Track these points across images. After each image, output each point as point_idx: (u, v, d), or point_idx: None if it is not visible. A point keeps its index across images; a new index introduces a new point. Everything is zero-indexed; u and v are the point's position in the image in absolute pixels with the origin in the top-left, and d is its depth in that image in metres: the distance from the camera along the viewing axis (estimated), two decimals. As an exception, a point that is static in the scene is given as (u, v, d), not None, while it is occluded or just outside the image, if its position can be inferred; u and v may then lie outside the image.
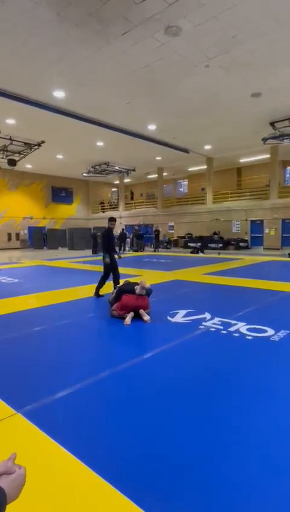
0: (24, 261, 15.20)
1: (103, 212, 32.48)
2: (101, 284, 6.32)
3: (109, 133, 16.54)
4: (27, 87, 11.84)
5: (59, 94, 12.43)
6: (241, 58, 9.94)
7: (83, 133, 16.86)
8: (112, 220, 6.55)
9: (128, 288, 4.91)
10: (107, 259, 6.35)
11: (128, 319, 4.54)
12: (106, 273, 6.40)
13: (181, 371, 3.04)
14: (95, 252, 19.80)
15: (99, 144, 19.04)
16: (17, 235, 27.79)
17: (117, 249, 15.60)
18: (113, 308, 4.85)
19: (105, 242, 6.53)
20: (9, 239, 27.32)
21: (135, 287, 4.85)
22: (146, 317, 4.61)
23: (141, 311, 4.70)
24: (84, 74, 10.85)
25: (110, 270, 6.45)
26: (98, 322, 4.73)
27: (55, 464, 1.89)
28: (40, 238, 26.63)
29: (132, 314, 4.63)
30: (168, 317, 4.80)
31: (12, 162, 19.28)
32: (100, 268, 11.63)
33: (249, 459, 1.91)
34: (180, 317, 4.83)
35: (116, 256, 6.64)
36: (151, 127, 16.36)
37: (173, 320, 4.69)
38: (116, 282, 6.39)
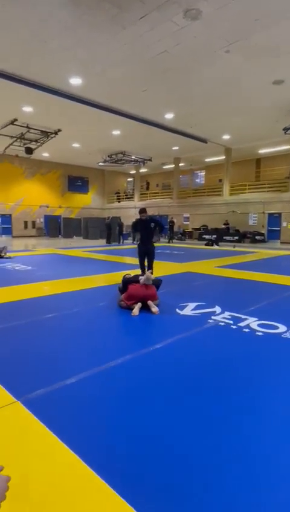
0: (38, 249, 15.35)
1: (119, 202, 32.42)
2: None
3: (125, 121, 16.33)
4: (43, 74, 11.75)
5: (75, 81, 12.29)
6: (264, 43, 9.53)
7: (99, 122, 16.72)
8: (142, 211, 6.84)
9: (133, 279, 4.85)
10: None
11: (136, 310, 4.48)
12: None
13: (185, 367, 2.96)
14: (109, 242, 19.80)
15: (116, 132, 18.87)
16: (33, 223, 28.10)
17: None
18: (121, 299, 4.80)
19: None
20: (26, 227, 27.66)
21: (140, 277, 4.78)
22: (154, 309, 4.54)
23: (149, 302, 4.63)
24: (99, 61, 10.67)
25: (140, 256, 6.96)
26: (104, 312, 4.69)
27: (49, 456, 1.86)
28: (56, 227, 26.86)
29: (139, 305, 4.57)
30: (177, 310, 4.72)
31: (29, 150, 19.39)
32: (114, 258, 11.94)
33: (254, 463, 1.82)
34: (189, 310, 4.74)
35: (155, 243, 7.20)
36: (169, 116, 16.06)
37: (182, 313, 4.61)
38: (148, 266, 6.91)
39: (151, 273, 4.87)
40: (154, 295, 4.72)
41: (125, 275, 5.34)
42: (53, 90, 12.95)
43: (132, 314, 4.45)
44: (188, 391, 2.52)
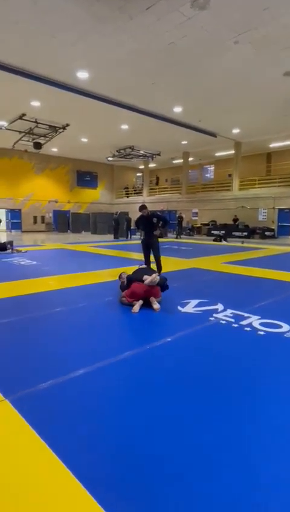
0: (46, 244, 15.43)
1: (127, 197, 32.34)
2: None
3: (133, 115, 16.22)
4: (50, 68, 11.69)
5: (82, 75, 12.20)
6: (274, 34, 9.26)
7: (107, 116, 16.64)
8: (142, 208, 6.96)
9: (137, 277, 4.78)
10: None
11: (136, 307, 4.42)
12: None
13: (183, 366, 2.88)
14: (116, 237, 19.77)
15: (124, 127, 18.76)
16: (42, 218, 28.28)
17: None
18: (123, 295, 4.74)
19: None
20: (35, 222, 27.85)
21: (144, 277, 4.70)
22: (156, 306, 4.47)
23: (152, 298, 4.56)
24: (106, 53, 10.53)
25: (143, 250, 7.10)
26: (107, 308, 4.65)
27: (31, 458, 1.80)
28: (65, 222, 26.96)
29: (140, 302, 4.51)
30: (179, 307, 4.64)
31: (38, 145, 19.43)
32: (121, 253, 11.90)
33: (254, 468, 1.73)
34: (191, 307, 4.65)
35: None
36: (177, 109, 15.87)
37: (183, 310, 4.53)
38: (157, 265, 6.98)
39: (159, 275, 4.82)
40: (156, 293, 4.65)
41: (121, 273, 5.29)
42: (60, 84, 12.90)
43: (132, 310, 4.39)
44: (185, 392, 2.44)
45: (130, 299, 4.61)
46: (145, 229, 7.01)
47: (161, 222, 6.98)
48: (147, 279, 4.64)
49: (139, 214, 6.98)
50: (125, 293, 4.73)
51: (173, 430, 2.01)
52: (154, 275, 4.67)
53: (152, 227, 6.89)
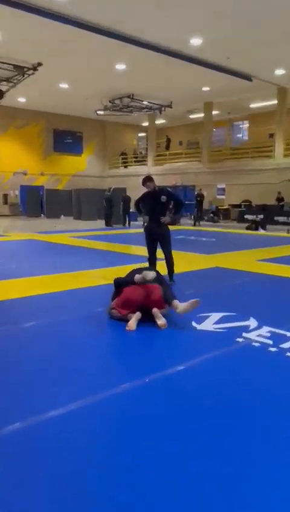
0: (11, 234, 15.53)
1: (125, 167, 32.34)
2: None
3: (133, 51, 16.22)
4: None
5: (61, -7, 12.19)
6: None
7: (96, 52, 16.68)
8: (146, 180, 6.82)
9: (128, 279, 4.81)
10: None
11: (132, 322, 4.41)
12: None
13: (194, 409, 2.87)
14: (109, 224, 19.77)
15: (120, 67, 18.78)
16: (5, 196, 28.41)
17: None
18: (113, 306, 4.75)
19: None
20: (-5, 202, 28.03)
21: (135, 277, 4.74)
22: (160, 321, 4.47)
23: (155, 310, 4.57)
24: None
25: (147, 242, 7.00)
26: (88, 324, 4.68)
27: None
28: (37, 202, 27.09)
29: (138, 315, 4.50)
30: (193, 323, 4.63)
31: (-2, 94, 19.47)
32: (115, 247, 11.85)
33: None
34: (211, 323, 4.66)
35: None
36: (196, 41, 15.85)
37: (200, 327, 4.53)
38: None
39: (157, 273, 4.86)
40: (159, 300, 4.65)
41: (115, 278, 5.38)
42: (30, 5, 12.86)
43: (127, 328, 4.38)
44: (194, 448, 2.44)
45: (123, 311, 4.62)
46: (151, 212, 6.88)
47: (173, 203, 6.89)
48: (138, 277, 4.71)
49: (143, 190, 6.92)
50: (115, 303, 4.74)
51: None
52: (145, 272, 4.75)
53: (161, 210, 6.77)
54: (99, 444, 2.47)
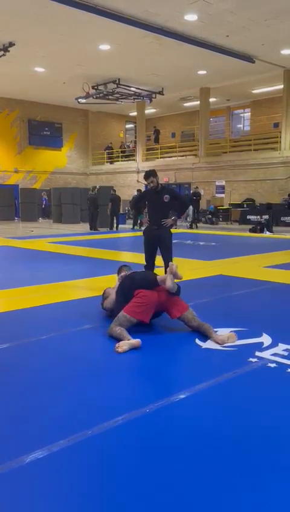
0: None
1: (111, 163, 32.41)
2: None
3: (119, 28, 16.24)
4: None
5: None
6: None
7: (76, 30, 16.77)
8: (149, 175, 6.73)
9: (139, 278, 4.92)
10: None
11: (126, 346, 4.30)
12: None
13: (198, 447, 2.74)
14: (94, 228, 19.74)
15: (104, 47, 18.92)
16: (-26, 197, 28.23)
17: None
18: (126, 313, 4.65)
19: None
20: None
21: (158, 277, 4.86)
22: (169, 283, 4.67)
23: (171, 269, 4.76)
24: None
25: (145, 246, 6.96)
26: (76, 344, 4.66)
27: None
28: (10, 204, 27.09)
29: (137, 343, 4.40)
30: (197, 341, 4.59)
31: None
32: (102, 254, 11.79)
33: None
34: (218, 341, 4.63)
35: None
36: (190, 17, 15.91)
37: (205, 345, 4.48)
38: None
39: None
40: (179, 303, 4.87)
41: (106, 289, 5.47)
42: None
43: (116, 348, 4.28)
44: (198, 494, 2.29)
45: (139, 316, 4.62)
46: (153, 213, 6.88)
47: (177, 203, 6.91)
48: (166, 278, 4.74)
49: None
50: (128, 308, 4.65)
51: None
52: (172, 266, 4.83)
53: (163, 211, 6.77)
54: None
